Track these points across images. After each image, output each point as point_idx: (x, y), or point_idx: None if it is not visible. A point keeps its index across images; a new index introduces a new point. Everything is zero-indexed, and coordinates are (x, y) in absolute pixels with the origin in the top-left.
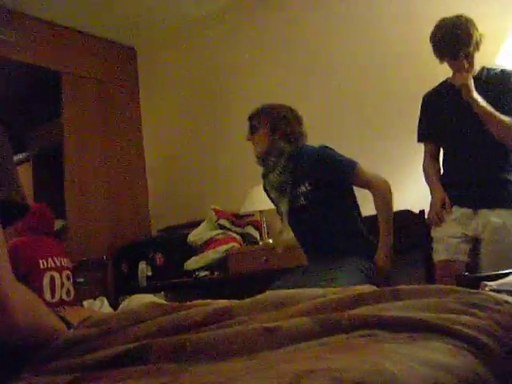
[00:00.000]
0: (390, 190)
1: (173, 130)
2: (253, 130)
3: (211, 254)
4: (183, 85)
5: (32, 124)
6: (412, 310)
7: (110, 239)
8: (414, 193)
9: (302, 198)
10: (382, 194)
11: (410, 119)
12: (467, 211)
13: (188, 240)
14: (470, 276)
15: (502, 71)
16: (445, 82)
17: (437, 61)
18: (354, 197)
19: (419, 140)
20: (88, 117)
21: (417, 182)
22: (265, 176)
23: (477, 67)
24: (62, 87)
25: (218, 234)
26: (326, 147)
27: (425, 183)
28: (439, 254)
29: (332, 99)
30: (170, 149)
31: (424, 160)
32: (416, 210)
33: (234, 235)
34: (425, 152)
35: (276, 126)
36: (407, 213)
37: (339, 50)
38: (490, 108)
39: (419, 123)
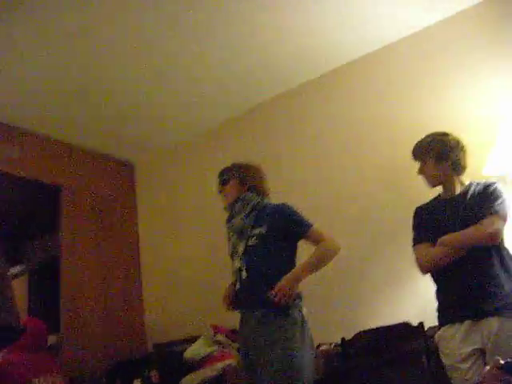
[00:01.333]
0: (336, 249)
1: (170, 245)
2: (223, 182)
3: (208, 371)
4: (180, 200)
5: (30, 237)
6: None
7: (104, 355)
8: (412, 306)
9: (255, 238)
10: (325, 248)
11: (408, 233)
12: (469, 324)
13: (184, 356)
14: None
15: (484, 184)
16: (438, 196)
17: None
18: (295, 254)
19: (415, 243)
20: (85, 230)
21: (415, 294)
22: (229, 220)
23: (466, 181)
24: (60, 201)
25: (215, 351)
26: (288, 204)
27: (422, 295)
28: None
29: (329, 218)
30: (167, 264)
31: (420, 252)
32: (414, 323)
33: (232, 351)
34: (419, 249)
35: (245, 178)
36: (406, 325)
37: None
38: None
39: (414, 230)
